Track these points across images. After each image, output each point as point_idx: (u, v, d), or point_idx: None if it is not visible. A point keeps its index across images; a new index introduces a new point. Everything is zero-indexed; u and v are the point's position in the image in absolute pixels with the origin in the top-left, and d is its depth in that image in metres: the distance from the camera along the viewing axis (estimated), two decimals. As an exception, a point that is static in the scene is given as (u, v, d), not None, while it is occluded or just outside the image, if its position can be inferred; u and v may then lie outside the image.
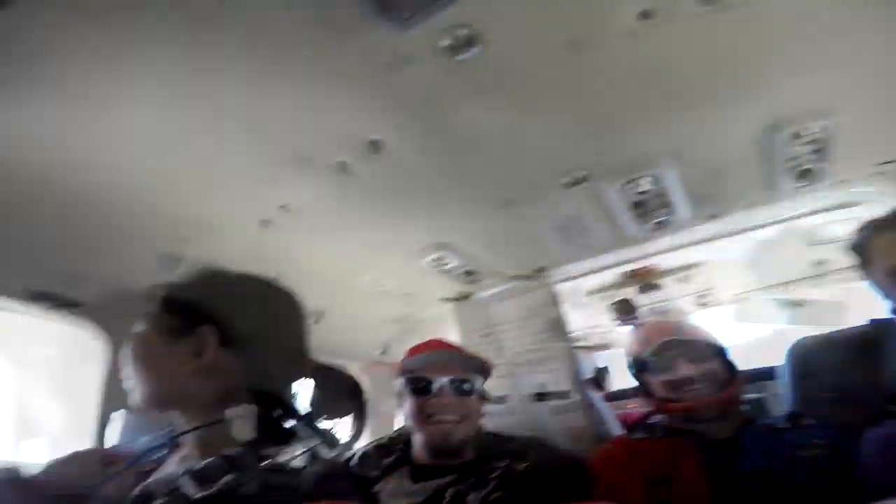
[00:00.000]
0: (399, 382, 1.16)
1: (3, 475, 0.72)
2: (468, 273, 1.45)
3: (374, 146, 0.95)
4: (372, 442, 1.23)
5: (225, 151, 0.93)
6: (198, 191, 1.02)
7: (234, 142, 0.91)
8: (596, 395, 1.45)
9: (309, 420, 0.73)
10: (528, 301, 1.44)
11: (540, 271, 1.48)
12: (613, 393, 1.86)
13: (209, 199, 1.05)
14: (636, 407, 1.53)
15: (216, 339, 0.68)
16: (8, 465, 0.84)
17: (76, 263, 1.09)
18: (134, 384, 0.70)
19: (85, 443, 1.07)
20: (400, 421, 1.27)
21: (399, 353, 1.70)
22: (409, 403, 1.13)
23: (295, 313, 0.77)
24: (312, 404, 0.78)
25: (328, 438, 0.71)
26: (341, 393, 0.80)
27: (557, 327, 1.38)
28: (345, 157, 0.98)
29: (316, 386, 0.79)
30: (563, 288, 1.51)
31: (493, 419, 1.28)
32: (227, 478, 0.61)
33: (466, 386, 1.12)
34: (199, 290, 0.73)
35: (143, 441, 0.81)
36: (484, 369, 1.19)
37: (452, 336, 1.58)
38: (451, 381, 1.11)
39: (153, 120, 0.84)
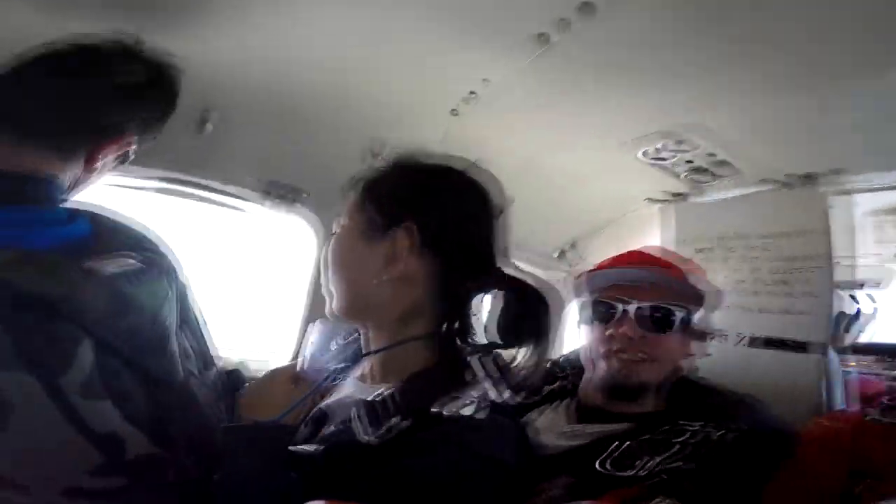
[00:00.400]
0: (581, 299, 0.96)
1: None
2: (697, 170, 1.12)
3: (586, 8, 0.72)
4: None
5: (424, 29, 0.85)
6: (397, 74, 0.98)
7: (432, 18, 0.82)
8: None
9: (489, 351, 0.62)
10: (784, 214, 1.08)
11: (809, 178, 1.06)
12: (865, 346, 1.40)
13: (407, 81, 1.01)
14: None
15: (415, 239, 0.61)
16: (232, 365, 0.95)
17: (296, 157, 1.17)
18: (330, 289, 0.67)
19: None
20: (570, 344, 1.11)
21: (581, 258, 1.57)
22: (587, 328, 0.94)
23: (491, 212, 0.66)
24: (494, 327, 0.64)
25: (510, 381, 0.59)
26: (531, 314, 0.63)
27: (823, 255, 1.02)
28: (547, 27, 0.78)
29: (504, 304, 0.63)
30: (836, 203, 1.09)
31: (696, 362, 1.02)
32: (395, 421, 0.55)
33: (665, 318, 0.87)
34: (397, 180, 0.67)
35: (332, 354, 0.81)
36: (697, 298, 0.91)
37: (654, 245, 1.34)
38: (644, 310, 0.87)
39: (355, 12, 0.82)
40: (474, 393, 0.57)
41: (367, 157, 1.17)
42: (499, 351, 0.62)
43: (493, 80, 0.94)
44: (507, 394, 0.58)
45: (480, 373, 0.59)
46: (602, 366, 0.89)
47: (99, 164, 0.70)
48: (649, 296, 0.88)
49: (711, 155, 1.07)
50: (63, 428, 0.47)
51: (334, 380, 0.76)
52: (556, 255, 1.56)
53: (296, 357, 0.86)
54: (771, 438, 0.81)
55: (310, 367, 0.79)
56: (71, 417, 0.47)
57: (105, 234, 0.63)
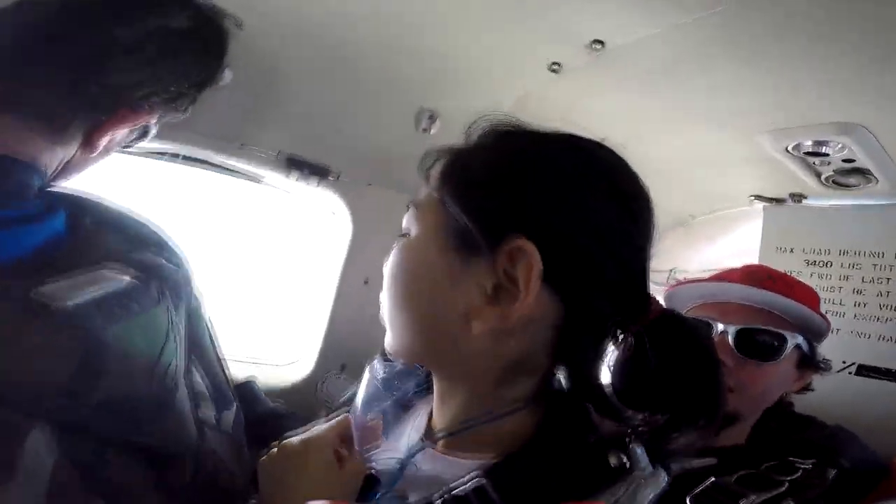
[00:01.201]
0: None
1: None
2: (842, 172, 0.88)
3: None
4: None
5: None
6: (459, 34, 0.76)
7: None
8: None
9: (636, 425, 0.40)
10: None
11: None
12: None
13: (472, 44, 0.78)
14: None
15: (536, 262, 0.37)
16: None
17: (329, 127, 0.95)
18: (388, 320, 0.46)
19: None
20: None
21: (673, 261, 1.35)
22: None
23: (646, 215, 0.43)
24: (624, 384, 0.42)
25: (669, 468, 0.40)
26: (695, 371, 0.41)
27: None
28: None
29: (650, 352, 0.40)
30: None
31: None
32: None
33: (772, 345, 0.74)
34: (502, 166, 0.42)
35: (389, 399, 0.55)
36: (812, 328, 0.77)
37: (751, 249, 1.13)
38: (747, 333, 0.74)
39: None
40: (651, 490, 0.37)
41: (417, 127, 0.95)
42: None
43: (607, 43, 0.70)
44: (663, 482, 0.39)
45: (643, 461, 0.38)
46: None
47: (103, 143, 0.53)
48: (755, 318, 0.75)
49: (849, 161, 0.84)
50: None
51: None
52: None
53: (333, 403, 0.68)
54: (867, 476, 0.73)
55: (360, 419, 0.52)
56: None
57: (86, 235, 0.46)
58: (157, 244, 0.52)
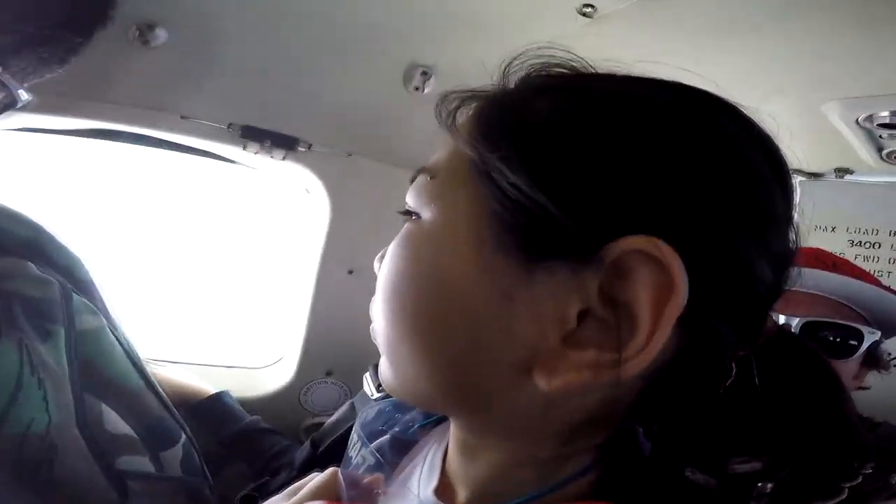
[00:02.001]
0: None
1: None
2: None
3: None
4: None
5: None
6: None
7: None
8: None
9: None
10: None
11: None
12: None
13: None
14: None
15: (683, 285, 0.23)
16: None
17: (294, 89, 0.76)
18: (386, 345, 0.31)
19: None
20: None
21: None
22: None
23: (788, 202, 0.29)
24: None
25: None
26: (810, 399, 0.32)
27: None
28: None
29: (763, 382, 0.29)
30: None
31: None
32: None
33: (847, 342, 0.65)
34: (606, 118, 0.26)
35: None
36: (889, 319, 0.66)
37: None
38: (815, 328, 0.64)
39: None
40: None
41: (407, 86, 0.76)
42: None
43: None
44: None
45: None
46: None
47: None
48: (823, 309, 0.64)
49: None
50: None
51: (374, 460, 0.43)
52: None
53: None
54: None
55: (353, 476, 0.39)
56: None
57: None
58: (25, 248, 0.39)
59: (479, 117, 0.29)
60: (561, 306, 0.24)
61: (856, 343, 0.64)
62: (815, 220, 0.98)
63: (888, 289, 0.66)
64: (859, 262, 0.94)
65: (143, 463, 0.42)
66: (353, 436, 0.48)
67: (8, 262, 0.38)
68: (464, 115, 0.30)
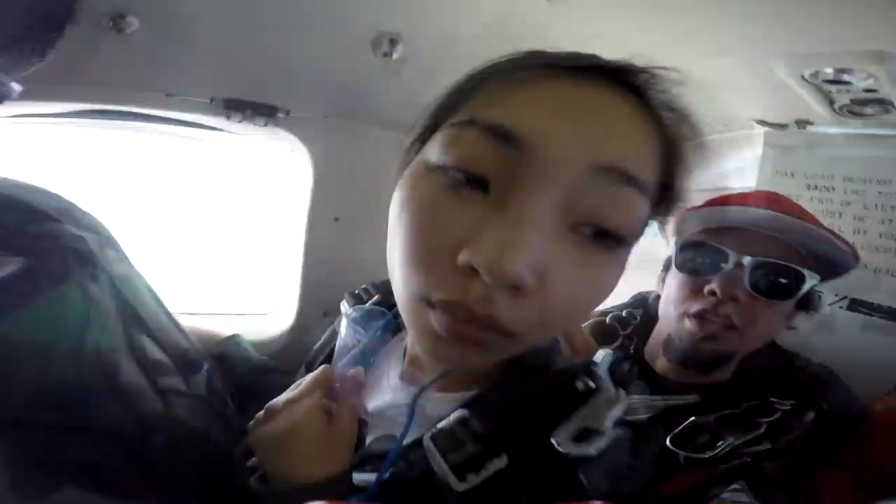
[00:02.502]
0: (683, 237, 0.73)
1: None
2: (860, 102, 0.78)
3: None
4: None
5: None
6: None
7: None
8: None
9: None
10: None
11: None
12: None
13: None
14: None
15: None
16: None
17: (268, 62, 0.82)
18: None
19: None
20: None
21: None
22: (674, 281, 0.73)
23: None
24: None
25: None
26: None
27: None
28: None
29: None
30: None
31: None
32: (498, 463, 0.37)
33: (791, 284, 0.67)
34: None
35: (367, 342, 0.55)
36: (838, 269, 0.70)
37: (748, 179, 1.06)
38: (766, 267, 0.66)
39: None
40: (595, 418, 0.38)
41: (376, 52, 0.80)
42: None
43: None
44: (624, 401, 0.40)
45: (607, 384, 0.40)
46: (688, 327, 0.70)
47: None
48: (776, 251, 0.67)
49: (870, 91, 0.74)
50: None
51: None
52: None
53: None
54: (847, 420, 0.70)
55: (341, 371, 0.53)
56: None
57: None
58: (56, 212, 0.47)
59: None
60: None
61: (797, 286, 0.67)
62: (776, 166, 1.03)
63: (838, 236, 0.68)
64: (814, 205, 0.99)
65: (177, 383, 0.51)
66: (342, 341, 0.58)
67: (50, 225, 0.46)
68: None
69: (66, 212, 0.48)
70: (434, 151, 0.35)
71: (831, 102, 0.80)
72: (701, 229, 0.71)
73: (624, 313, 0.84)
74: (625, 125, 0.34)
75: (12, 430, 0.36)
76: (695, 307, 0.69)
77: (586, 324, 0.81)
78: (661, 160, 0.36)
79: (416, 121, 0.40)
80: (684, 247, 0.72)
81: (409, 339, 0.47)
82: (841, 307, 0.97)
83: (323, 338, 0.70)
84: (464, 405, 0.41)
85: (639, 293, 0.89)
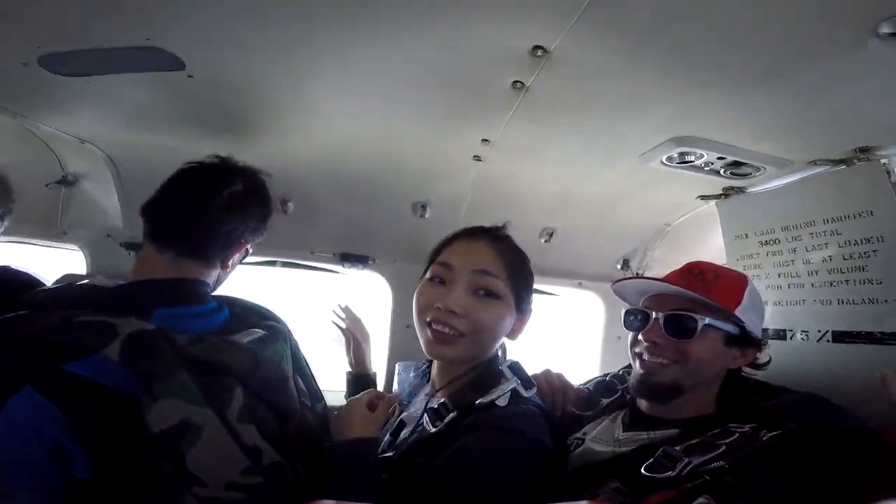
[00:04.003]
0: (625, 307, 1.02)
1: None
2: (733, 164, 1.12)
3: (542, 53, 0.79)
4: (597, 377, 1.15)
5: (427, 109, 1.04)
6: (425, 147, 1.20)
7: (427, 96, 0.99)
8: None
9: (516, 364, 0.91)
10: (847, 193, 1.03)
11: (864, 151, 0.99)
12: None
13: (432, 148, 1.21)
14: None
15: None
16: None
17: (363, 229, 1.49)
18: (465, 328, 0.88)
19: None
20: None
21: (646, 266, 1.60)
22: (630, 335, 0.99)
23: None
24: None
25: (525, 380, 0.89)
26: None
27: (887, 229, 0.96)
28: (515, 75, 0.87)
29: None
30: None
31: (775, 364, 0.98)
32: (451, 416, 0.84)
33: (686, 325, 0.91)
34: None
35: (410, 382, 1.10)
36: (730, 318, 0.92)
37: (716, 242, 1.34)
38: (669, 318, 0.92)
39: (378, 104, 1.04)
40: (504, 388, 0.85)
41: (416, 215, 1.44)
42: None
43: (494, 138, 1.10)
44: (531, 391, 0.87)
45: (510, 375, 0.88)
46: (636, 368, 0.96)
47: (230, 266, 0.99)
48: (680, 306, 0.92)
49: (721, 158, 1.09)
50: (228, 442, 0.74)
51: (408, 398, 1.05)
52: (619, 266, 1.63)
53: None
54: (833, 436, 0.82)
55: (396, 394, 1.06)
56: (232, 435, 0.74)
57: (239, 316, 0.93)
58: (268, 317, 0.99)
59: None
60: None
61: (693, 326, 0.90)
62: (735, 231, 1.29)
63: (701, 298, 0.91)
64: (771, 259, 1.20)
65: (307, 402, 0.96)
66: (397, 382, 1.11)
67: (269, 322, 0.96)
68: None
69: (272, 317, 1.00)
70: (429, 273, 0.96)
71: (717, 172, 1.15)
72: (640, 299, 1.00)
73: (620, 372, 1.13)
74: (486, 252, 0.93)
75: (248, 391, 0.81)
76: (635, 351, 0.97)
77: (596, 381, 1.14)
78: (504, 262, 0.93)
79: (425, 262, 0.99)
80: (628, 312, 1.00)
81: (433, 375, 0.99)
82: (828, 341, 1.08)
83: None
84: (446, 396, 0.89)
85: None
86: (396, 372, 1.14)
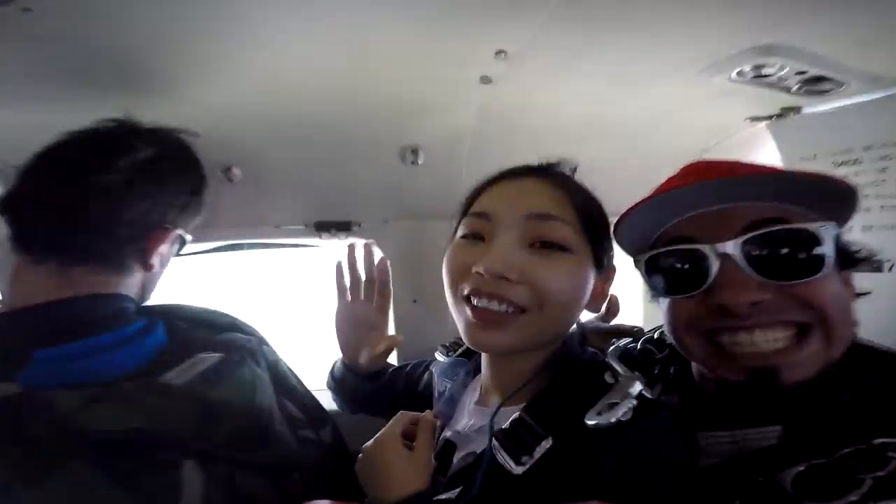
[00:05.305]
0: (639, 256, 0.64)
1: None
2: (810, 81, 0.90)
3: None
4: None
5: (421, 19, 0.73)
6: (412, 73, 0.89)
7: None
8: None
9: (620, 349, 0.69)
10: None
11: None
12: None
13: (423, 73, 0.90)
14: None
15: None
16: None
17: (338, 190, 1.19)
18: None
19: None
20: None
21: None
22: (665, 306, 0.61)
23: None
24: None
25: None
26: None
27: None
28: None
29: None
30: None
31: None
32: (545, 444, 0.53)
33: (809, 247, 0.51)
34: None
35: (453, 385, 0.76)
36: (838, 197, 0.54)
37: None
38: (759, 245, 0.52)
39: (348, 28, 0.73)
40: (618, 395, 0.54)
41: (406, 163, 1.14)
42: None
43: (519, 37, 0.78)
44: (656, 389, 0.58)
45: (622, 369, 0.58)
46: (704, 363, 0.58)
47: (157, 263, 0.70)
48: (759, 219, 0.53)
49: (801, 73, 0.86)
50: None
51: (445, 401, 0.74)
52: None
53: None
54: None
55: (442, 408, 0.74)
56: None
57: (181, 337, 0.66)
58: (230, 326, 0.74)
59: None
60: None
61: (816, 246, 0.51)
62: (798, 153, 1.09)
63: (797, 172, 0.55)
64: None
65: (310, 434, 0.72)
66: (437, 383, 0.79)
67: (228, 334, 0.71)
68: None
69: (235, 326, 0.75)
70: (461, 230, 0.66)
71: (787, 90, 0.92)
72: (655, 242, 0.62)
73: (656, 336, 0.77)
74: (541, 189, 0.63)
75: (209, 465, 0.56)
76: (697, 331, 0.57)
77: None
78: (571, 204, 0.63)
79: (453, 215, 0.71)
80: (649, 267, 0.61)
81: (483, 375, 0.70)
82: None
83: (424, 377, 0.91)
84: (521, 410, 0.59)
85: None
86: (436, 368, 0.82)
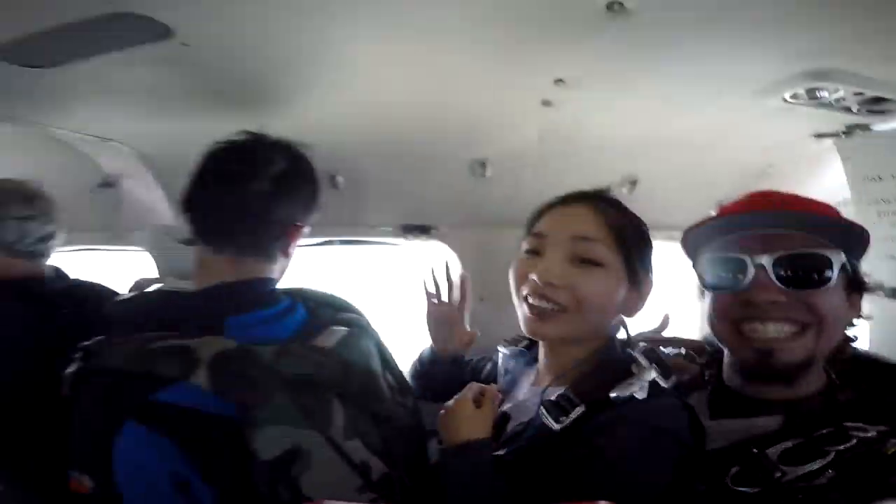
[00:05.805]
0: (699, 259, 0.81)
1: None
2: (871, 101, 0.94)
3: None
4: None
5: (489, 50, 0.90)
6: (481, 96, 1.06)
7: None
8: None
9: (651, 349, 0.79)
10: None
11: None
12: None
13: (490, 97, 1.07)
14: None
15: None
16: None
17: (420, 198, 1.40)
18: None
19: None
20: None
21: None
22: (710, 299, 0.78)
23: None
24: None
25: (665, 368, 0.75)
26: None
27: None
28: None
29: None
30: None
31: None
32: (579, 410, 0.73)
33: (820, 267, 0.70)
34: None
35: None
36: (853, 239, 0.74)
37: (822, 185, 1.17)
38: (786, 262, 0.70)
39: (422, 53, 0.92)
40: (637, 380, 0.74)
41: (475, 175, 1.32)
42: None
43: (576, 66, 0.94)
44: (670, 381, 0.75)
45: (645, 363, 0.76)
46: (730, 345, 0.77)
47: (291, 253, 0.90)
48: (790, 243, 0.70)
49: (859, 94, 0.91)
50: (338, 463, 0.72)
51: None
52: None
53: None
54: None
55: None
56: (341, 455, 0.72)
57: (316, 314, 0.87)
58: (345, 307, 0.94)
59: None
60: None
61: (826, 268, 0.70)
62: (863, 172, 1.12)
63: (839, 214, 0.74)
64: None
65: (400, 399, 0.90)
66: (500, 369, 1.01)
67: (348, 314, 0.91)
68: None
69: (348, 308, 0.94)
70: (524, 246, 0.85)
71: (848, 109, 0.97)
72: (710, 245, 0.79)
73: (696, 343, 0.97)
74: (585, 215, 0.82)
75: (346, 404, 0.75)
76: (730, 321, 0.74)
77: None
78: (608, 227, 0.80)
79: (516, 224, 0.90)
80: (703, 268, 0.79)
81: (539, 362, 0.89)
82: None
83: (487, 367, 1.13)
84: (567, 387, 0.78)
85: None
86: (500, 357, 1.03)
